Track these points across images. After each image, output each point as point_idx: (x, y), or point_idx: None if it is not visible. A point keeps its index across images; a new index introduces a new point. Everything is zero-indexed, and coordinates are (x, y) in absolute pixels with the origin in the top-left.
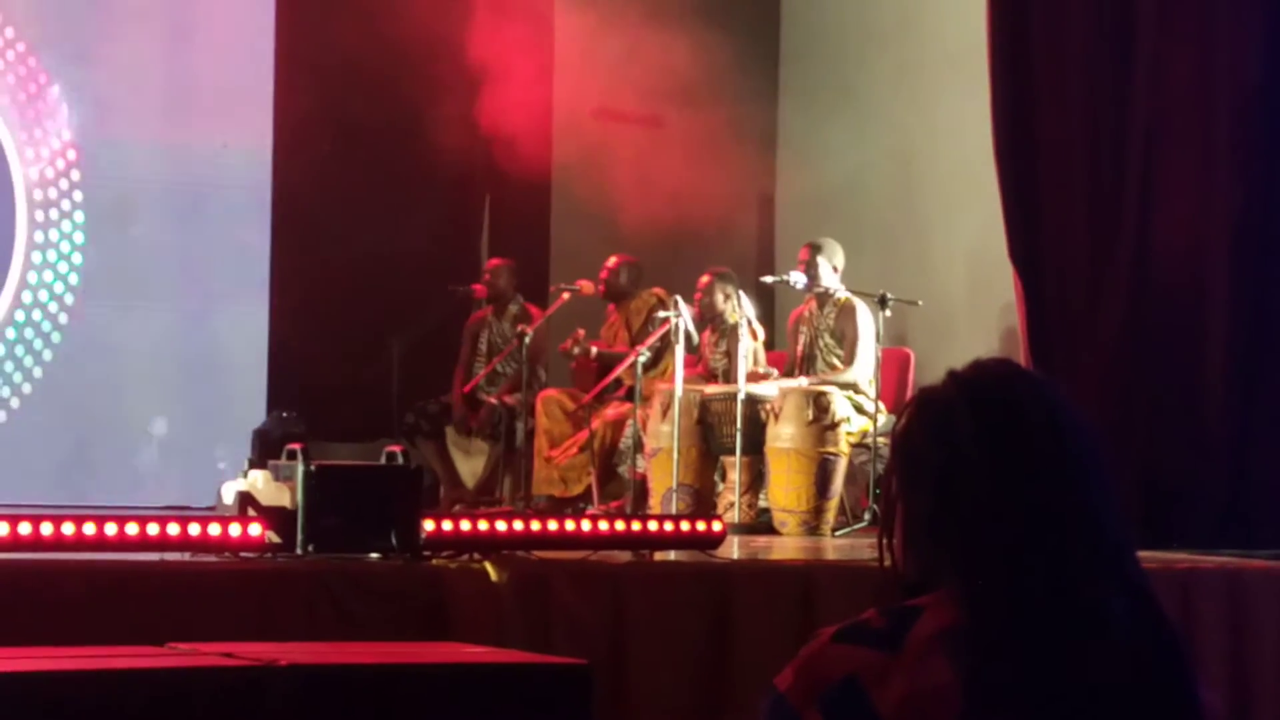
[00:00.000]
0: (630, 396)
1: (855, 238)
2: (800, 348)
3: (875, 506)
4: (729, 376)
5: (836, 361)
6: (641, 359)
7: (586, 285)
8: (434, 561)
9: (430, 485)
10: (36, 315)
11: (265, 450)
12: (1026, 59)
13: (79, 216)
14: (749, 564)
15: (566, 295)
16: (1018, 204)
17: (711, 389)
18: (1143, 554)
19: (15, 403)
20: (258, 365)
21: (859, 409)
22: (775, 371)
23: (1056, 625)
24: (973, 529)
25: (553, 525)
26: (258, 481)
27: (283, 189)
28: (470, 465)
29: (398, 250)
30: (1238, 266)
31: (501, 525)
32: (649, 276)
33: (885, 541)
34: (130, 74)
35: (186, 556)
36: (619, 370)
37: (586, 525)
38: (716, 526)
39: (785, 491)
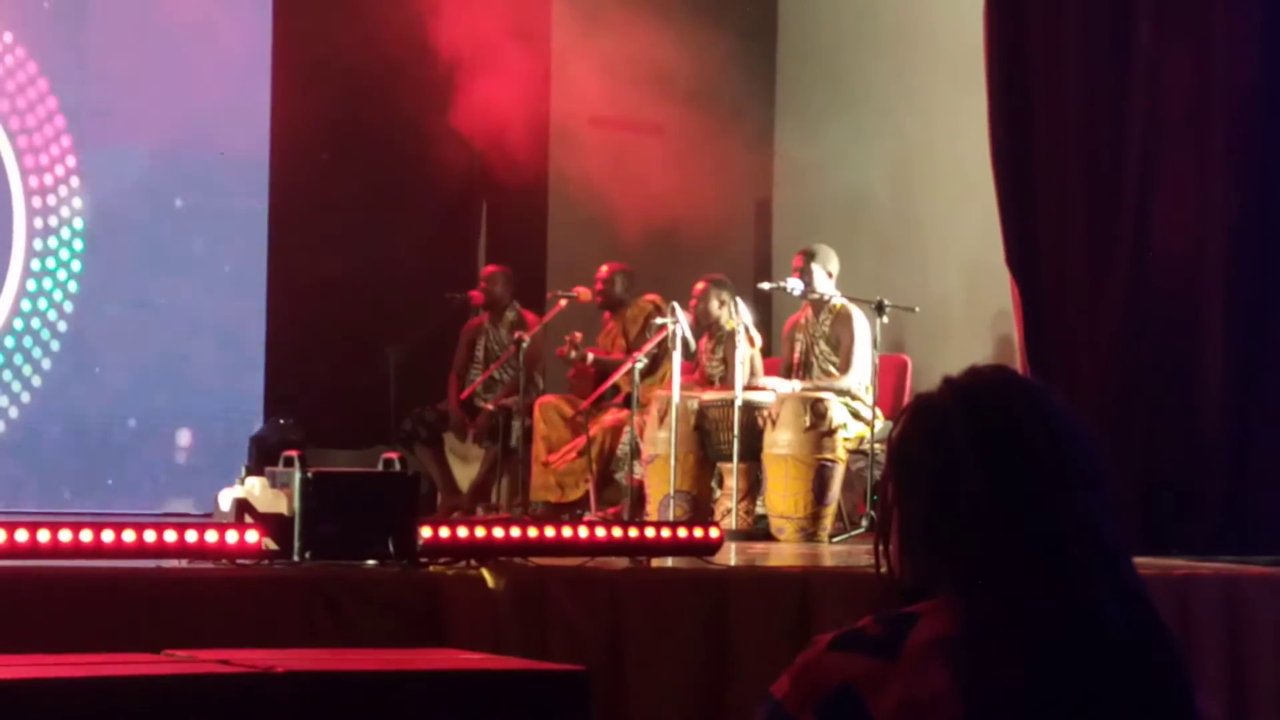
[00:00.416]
0: (628, 403)
1: (852, 244)
2: (796, 354)
3: (872, 513)
4: (726, 383)
5: (832, 368)
6: (639, 365)
7: (584, 292)
8: (431, 568)
9: (427, 492)
10: (36, 323)
11: (262, 457)
12: (1023, 64)
13: (77, 223)
14: (746, 570)
15: (564, 302)
16: (1014, 210)
17: (708, 395)
18: (1140, 560)
19: (14, 412)
20: (255, 372)
21: (856, 415)
22: (773, 385)
23: (1053, 632)
24: (969, 536)
25: (550, 532)
26: (255, 488)
27: (280, 197)
28: (468, 472)
29: (394, 257)
30: (1235, 271)
31: (499, 532)
32: (645, 283)
33: (882, 548)
34: (128, 82)
35: (183, 564)
36: (616, 376)
37: (584, 532)
38: (714, 533)
39: (782, 498)
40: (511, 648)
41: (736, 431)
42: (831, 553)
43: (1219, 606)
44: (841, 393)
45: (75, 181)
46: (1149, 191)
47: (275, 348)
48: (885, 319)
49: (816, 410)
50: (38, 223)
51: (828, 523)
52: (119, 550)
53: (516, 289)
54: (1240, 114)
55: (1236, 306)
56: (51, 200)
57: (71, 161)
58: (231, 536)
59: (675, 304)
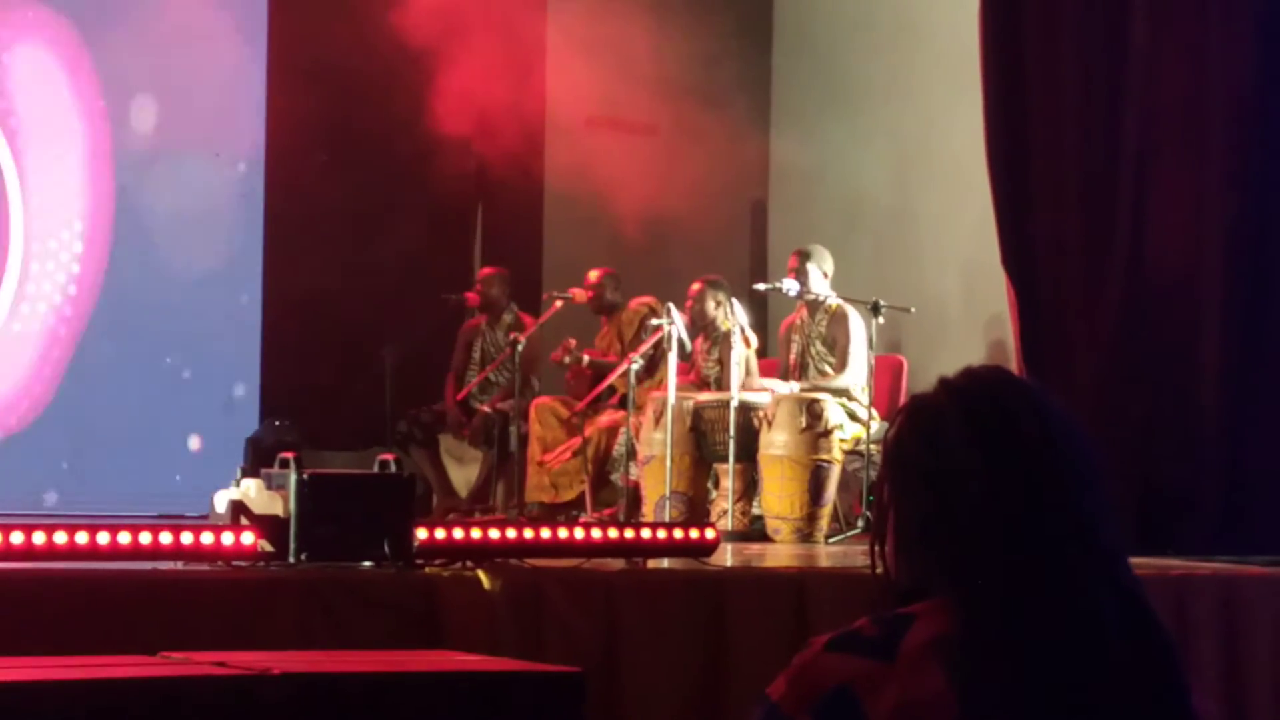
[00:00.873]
0: (624, 404)
1: (848, 245)
2: (792, 355)
3: (868, 513)
4: (721, 384)
5: (828, 368)
6: (634, 366)
7: (579, 293)
8: (427, 570)
9: (423, 494)
10: (32, 325)
11: (258, 459)
12: (1019, 66)
13: (75, 225)
14: (742, 571)
15: (559, 303)
16: (1010, 211)
17: (704, 396)
18: (1137, 561)
19: (8, 415)
20: (250, 373)
21: (852, 416)
22: (769, 385)
23: (1050, 633)
24: (965, 536)
25: (546, 533)
26: (250, 490)
27: (276, 198)
28: (464, 473)
29: (390, 259)
30: (1231, 273)
31: (494, 533)
32: (641, 284)
33: (878, 549)
34: (123, 83)
35: (179, 565)
36: (611, 378)
37: (579, 533)
38: (710, 534)
39: (778, 499)
40: (507, 649)
41: (732, 432)
42: (827, 553)
43: (1216, 607)
44: (838, 392)
45: (72, 184)
46: (1145, 193)
47: (271, 349)
48: (881, 319)
49: (812, 411)
50: (35, 225)
51: (824, 523)
52: (115, 552)
53: (513, 291)
54: (1236, 115)
55: (1232, 307)
56: (48, 203)
57: (68, 164)
58: (227, 538)
59: (670, 305)
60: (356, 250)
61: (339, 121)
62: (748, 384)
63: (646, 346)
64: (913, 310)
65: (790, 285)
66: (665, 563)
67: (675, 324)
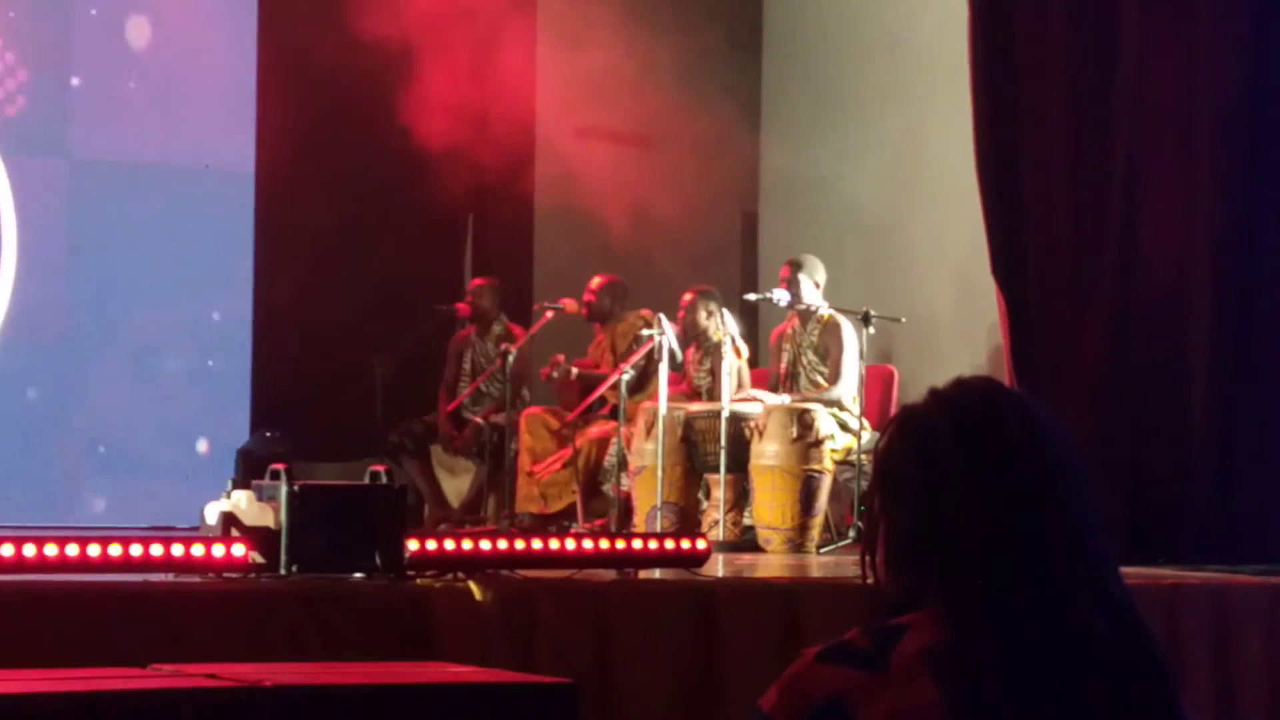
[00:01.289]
0: (614, 415)
1: (840, 255)
2: (783, 365)
3: (859, 524)
4: (713, 394)
5: (820, 379)
6: (625, 377)
7: (570, 304)
8: (418, 581)
9: (414, 505)
10: (22, 337)
11: (249, 470)
12: (1008, 74)
13: (64, 236)
14: (734, 582)
15: (550, 314)
16: (1000, 220)
17: (695, 407)
18: (1128, 570)
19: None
20: (241, 384)
21: (843, 426)
22: (760, 395)
23: (1040, 643)
24: (955, 547)
25: (537, 544)
26: (241, 502)
27: (265, 209)
28: (455, 484)
29: (381, 269)
30: (1221, 280)
31: (485, 544)
32: (633, 295)
33: (868, 559)
34: (112, 94)
35: (170, 577)
36: (601, 389)
37: (571, 544)
38: (701, 544)
39: (770, 509)
40: (499, 660)
41: (723, 443)
42: (819, 564)
43: (1207, 616)
44: (830, 404)
45: (62, 193)
46: (1134, 202)
47: (261, 360)
48: (872, 329)
49: (803, 421)
50: (26, 235)
51: (815, 534)
52: (105, 564)
53: (504, 301)
54: (1224, 125)
55: (1222, 315)
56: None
57: (58, 172)
58: (218, 550)
59: (661, 315)
60: (347, 261)
61: (329, 133)
62: (739, 394)
63: (637, 357)
64: (903, 320)
65: (781, 295)
66: (657, 573)
67: (666, 334)
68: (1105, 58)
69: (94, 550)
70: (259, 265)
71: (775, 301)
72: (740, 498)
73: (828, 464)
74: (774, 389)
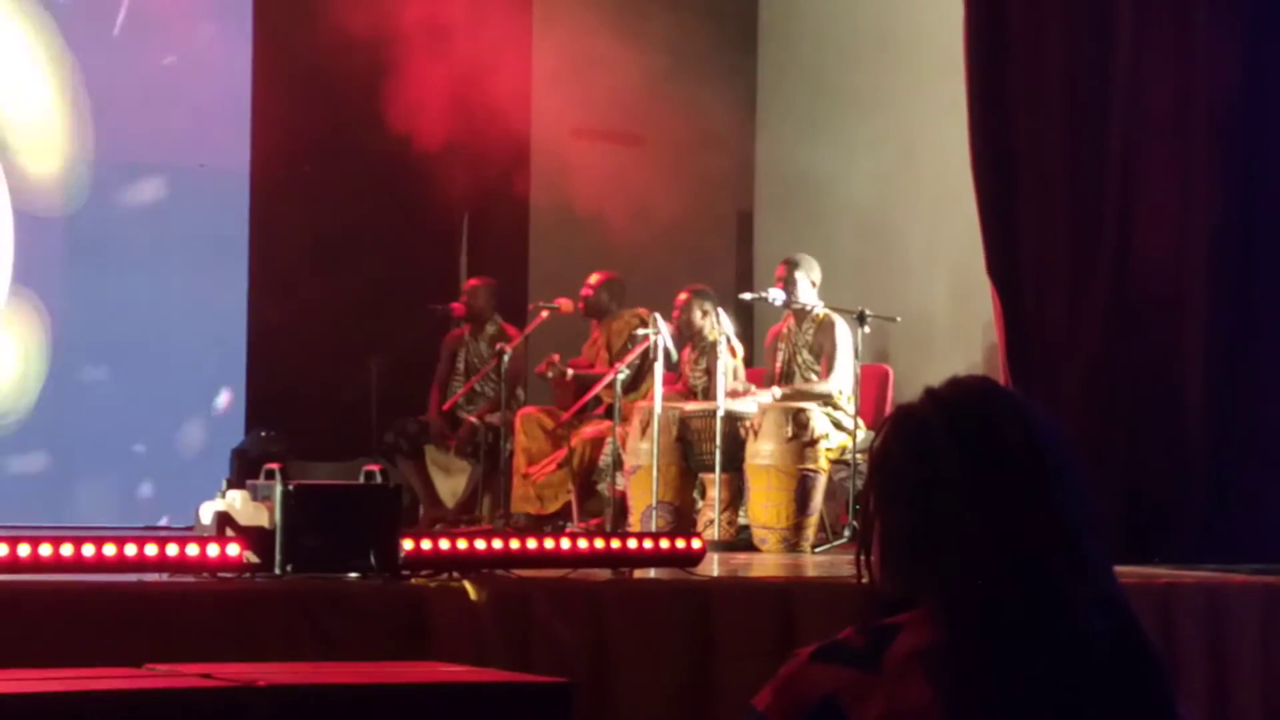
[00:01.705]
0: (609, 414)
1: (834, 255)
2: (779, 364)
3: (854, 523)
4: (708, 394)
5: (814, 377)
6: (620, 377)
7: (565, 303)
8: (413, 581)
9: (409, 504)
10: (18, 334)
11: (244, 470)
12: (1004, 75)
13: (61, 235)
14: (729, 581)
15: (545, 314)
16: (995, 220)
17: (691, 406)
18: (1123, 569)
19: None
20: (236, 383)
21: (838, 425)
22: (754, 387)
23: (1035, 642)
24: (950, 546)
25: (532, 544)
26: (236, 501)
27: (261, 209)
28: (450, 484)
29: (377, 269)
30: (1216, 280)
31: (480, 544)
32: (628, 294)
33: (864, 558)
34: (108, 93)
35: (164, 577)
36: (598, 388)
37: (566, 543)
38: (696, 544)
39: (765, 508)
40: (494, 660)
41: (719, 442)
42: (814, 563)
43: (1202, 615)
44: (823, 398)
45: (59, 192)
46: (1130, 200)
47: (257, 360)
48: (867, 329)
49: (798, 421)
50: (23, 234)
51: (810, 533)
52: (99, 564)
53: (498, 301)
54: (1221, 120)
55: (1218, 315)
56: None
57: (56, 172)
58: (212, 550)
59: (657, 315)
60: (342, 261)
61: (325, 132)
62: (734, 393)
63: (633, 356)
64: (899, 320)
65: (776, 295)
66: (652, 573)
67: (662, 334)
68: (1101, 57)
69: (88, 550)
70: (254, 265)
71: (771, 301)
72: (735, 497)
73: (823, 463)
74: (769, 388)
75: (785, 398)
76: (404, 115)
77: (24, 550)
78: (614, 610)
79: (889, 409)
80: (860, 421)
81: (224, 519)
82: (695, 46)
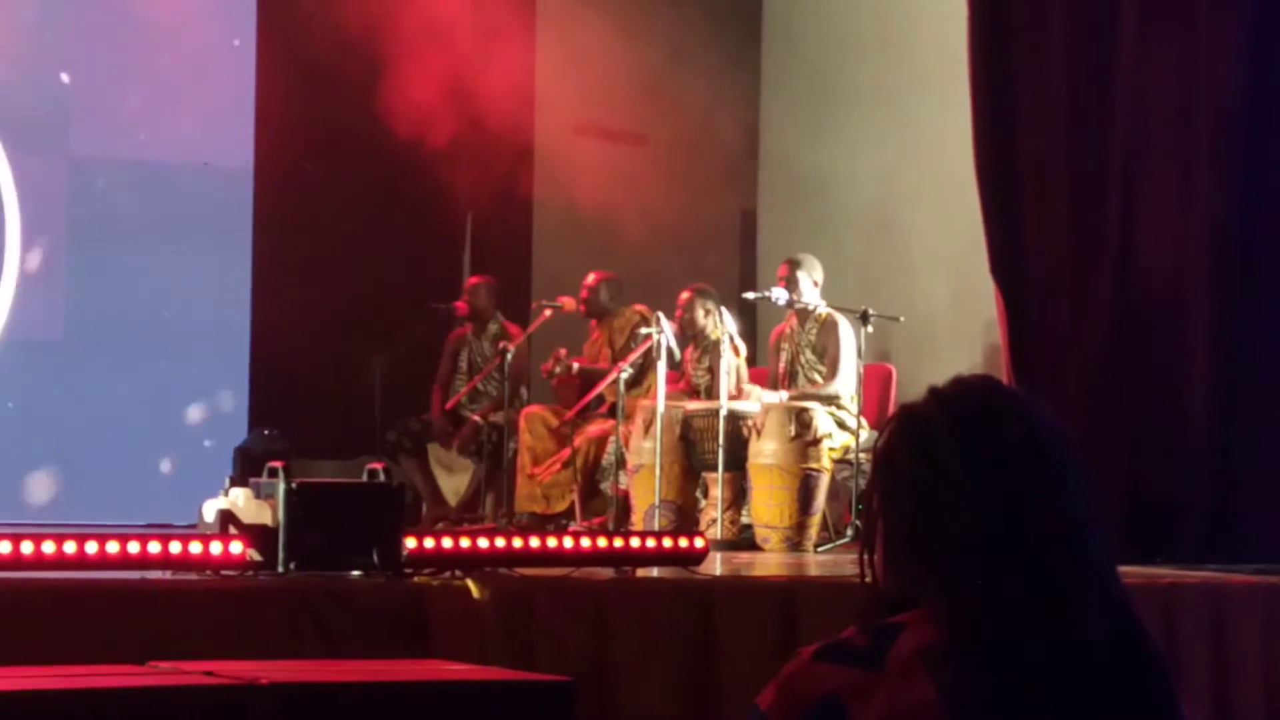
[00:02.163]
0: (613, 413)
1: (837, 254)
2: (782, 364)
3: (857, 522)
4: (711, 393)
5: (818, 376)
6: (624, 375)
7: (568, 302)
8: (416, 579)
9: (412, 503)
10: (22, 333)
11: (247, 468)
12: (1007, 74)
13: (63, 233)
14: (732, 580)
15: (548, 312)
16: (998, 219)
17: (693, 405)
18: (1125, 569)
19: None
20: (240, 381)
21: (841, 425)
22: (757, 389)
23: (1037, 642)
24: (953, 545)
25: (535, 542)
26: (239, 499)
27: (264, 207)
28: (453, 482)
29: (379, 268)
30: (1219, 280)
31: (483, 542)
32: (631, 293)
33: (867, 558)
34: (111, 92)
35: (168, 575)
36: (601, 386)
37: (569, 542)
38: (699, 543)
39: (768, 507)
40: (497, 658)
41: (721, 441)
42: (817, 562)
43: (1204, 615)
44: (828, 399)
45: (61, 190)
46: (1133, 200)
47: (260, 358)
48: (870, 328)
49: (801, 420)
50: (28, 234)
51: (813, 532)
52: (103, 562)
53: (501, 300)
54: (1223, 126)
55: (1221, 313)
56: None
57: (57, 170)
58: (216, 548)
59: (660, 314)
60: (346, 259)
61: (328, 130)
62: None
63: (635, 355)
64: (902, 319)
65: (779, 294)
66: (654, 571)
67: (665, 333)
68: (1105, 57)
69: (91, 547)
70: (257, 263)
71: (773, 300)
72: (738, 496)
73: (826, 463)
74: (773, 388)
75: (792, 400)
76: (407, 114)
77: (27, 548)
78: (616, 609)
79: (892, 408)
80: (863, 421)
81: (227, 517)
82: (698, 44)
